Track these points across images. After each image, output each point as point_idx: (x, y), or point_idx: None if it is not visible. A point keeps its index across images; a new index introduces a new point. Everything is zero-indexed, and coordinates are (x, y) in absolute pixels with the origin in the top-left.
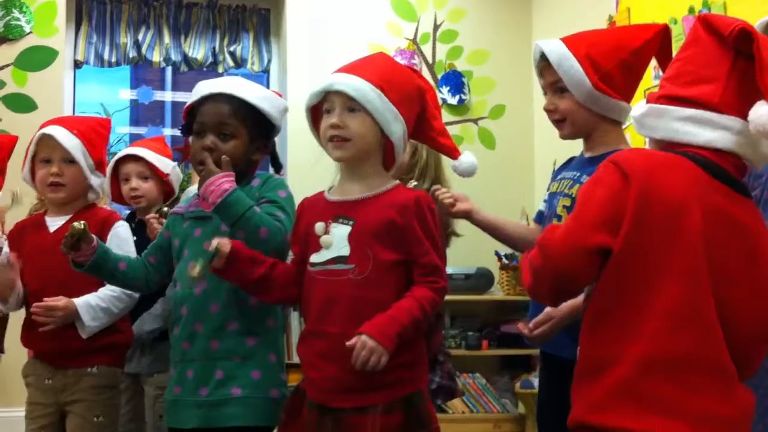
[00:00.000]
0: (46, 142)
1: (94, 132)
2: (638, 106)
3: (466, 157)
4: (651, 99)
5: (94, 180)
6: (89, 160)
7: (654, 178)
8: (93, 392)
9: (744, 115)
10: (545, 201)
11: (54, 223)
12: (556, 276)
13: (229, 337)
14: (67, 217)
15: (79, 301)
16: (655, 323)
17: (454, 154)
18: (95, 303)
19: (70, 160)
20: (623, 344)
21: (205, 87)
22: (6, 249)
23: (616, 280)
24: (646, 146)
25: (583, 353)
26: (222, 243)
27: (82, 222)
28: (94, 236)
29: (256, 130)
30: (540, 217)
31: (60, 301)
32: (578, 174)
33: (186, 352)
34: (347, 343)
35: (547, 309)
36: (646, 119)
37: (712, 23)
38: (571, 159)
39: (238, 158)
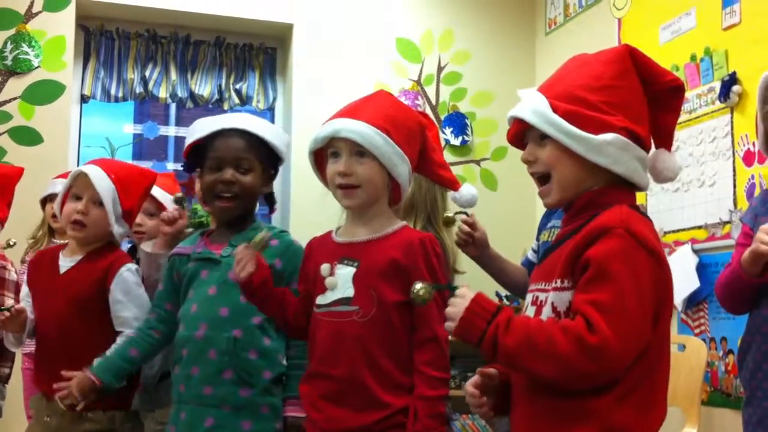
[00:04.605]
0: (81, 179)
1: (133, 180)
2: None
3: (466, 189)
4: (600, 123)
5: (117, 229)
6: (118, 208)
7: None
8: None
9: None
10: (534, 250)
11: (66, 263)
12: (610, 378)
13: (222, 385)
14: (79, 258)
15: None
16: (663, 393)
17: (454, 186)
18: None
19: (99, 202)
20: (647, 418)
21: (212, 123)
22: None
23: (641, 360)
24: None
25: (600, 427)
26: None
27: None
28: (92, 381)
29: (267, 164)
30: (528, 264)
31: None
32: None
33: (181, 393)
34: None
35: None
36: (610, 148)
37: (645, 64)
38: None
39: (255, 191)
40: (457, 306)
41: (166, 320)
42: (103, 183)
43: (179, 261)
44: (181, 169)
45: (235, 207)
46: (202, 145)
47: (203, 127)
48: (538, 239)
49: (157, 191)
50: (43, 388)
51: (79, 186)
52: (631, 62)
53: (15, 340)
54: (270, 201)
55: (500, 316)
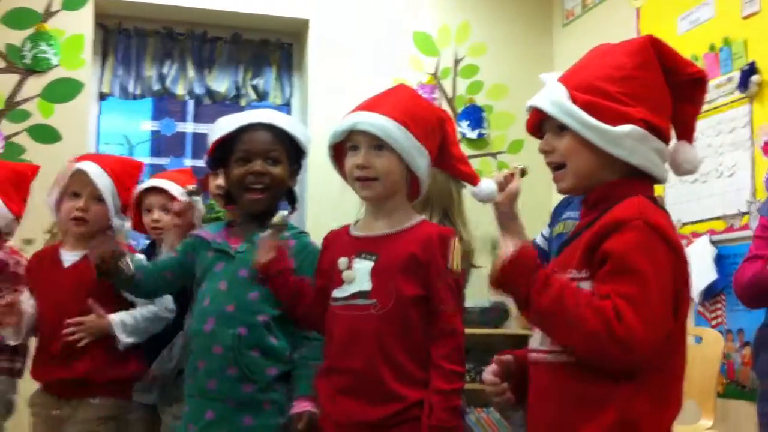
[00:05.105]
0: (78, 176)
1: (127, 174)
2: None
3: (485, 184)
4: (621, 113)
5: (116, 222)
6: (117, 201)
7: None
8: (94, 423)
9: None
10: (545, 237)
11: (69, 257)
12: (631, 368)
13: (226, 380)
14: (83, 253)
15: (115, 319)
16: (679, 386)
17: (473, 180)
18: (132, 323)
19: (99, 198)
20: (661, 411)
21: (237, 119)
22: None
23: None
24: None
25: (618, 416)
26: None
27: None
28: (123, 253)
29: (293, 157)
30: (538, 251)
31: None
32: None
33: (189, 386)
34: None
35: None
36: (628, 140)
37: (668, 55)
38: (571, 198)
39: (284, 183)
40: (500, 254)
41: (164, 280)
42: (102, 179)
43: (199, 244)
44: (202, 165)
45: (264, 199)
46: (227, 142)
47: (228, 123)
48: (550, 228)
49: (174, 188)
50: (42, 377)
51: (77, 183)
52: (654, 53)
53: (14, 333)
54: (291, 199)
55: (539, 273)
